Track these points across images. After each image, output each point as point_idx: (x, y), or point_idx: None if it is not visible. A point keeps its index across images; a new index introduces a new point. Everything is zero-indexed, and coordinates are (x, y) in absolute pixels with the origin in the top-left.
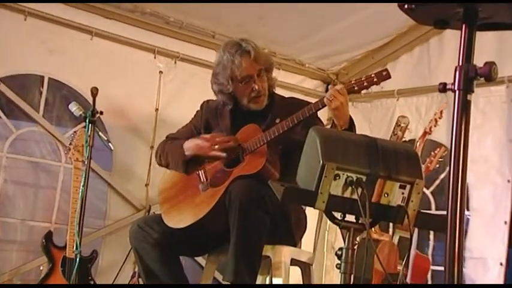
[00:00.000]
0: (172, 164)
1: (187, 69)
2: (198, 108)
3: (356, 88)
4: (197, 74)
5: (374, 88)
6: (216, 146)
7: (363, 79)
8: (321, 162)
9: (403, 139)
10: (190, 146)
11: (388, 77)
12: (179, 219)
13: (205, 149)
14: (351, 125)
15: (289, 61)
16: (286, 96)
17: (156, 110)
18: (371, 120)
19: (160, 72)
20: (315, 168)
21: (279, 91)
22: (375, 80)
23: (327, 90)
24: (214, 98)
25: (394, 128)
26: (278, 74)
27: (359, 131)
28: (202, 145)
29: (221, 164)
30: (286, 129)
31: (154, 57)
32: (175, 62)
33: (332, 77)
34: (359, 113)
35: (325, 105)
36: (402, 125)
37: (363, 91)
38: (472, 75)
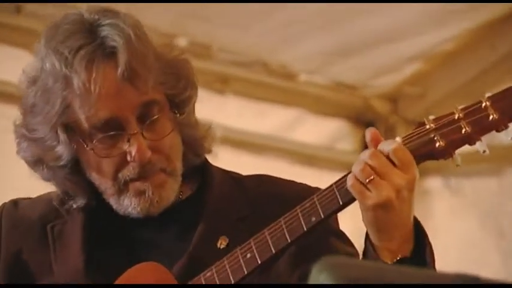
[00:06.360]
0: None
1: None
2: None
3: (441, 145)
4: None
5: (500, 135)
6: None
7: (453, 119)
8: None
9: None
10: None
11: None
12: None
13: None
14: (420, 248)
15: (251, 68)
16: (246, 173)
17: None
18: (501, 227)
19: None
20: None
21: (225, 158)
22: (493, 116)
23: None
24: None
25: None
26: (222, 106)
27: (460, 253)
28: None
29: None
30: (255, 268)
31: None
32: None
33: (378, 107)
34: (459, 204)
35: (349, 201)
36: None
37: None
38: None
